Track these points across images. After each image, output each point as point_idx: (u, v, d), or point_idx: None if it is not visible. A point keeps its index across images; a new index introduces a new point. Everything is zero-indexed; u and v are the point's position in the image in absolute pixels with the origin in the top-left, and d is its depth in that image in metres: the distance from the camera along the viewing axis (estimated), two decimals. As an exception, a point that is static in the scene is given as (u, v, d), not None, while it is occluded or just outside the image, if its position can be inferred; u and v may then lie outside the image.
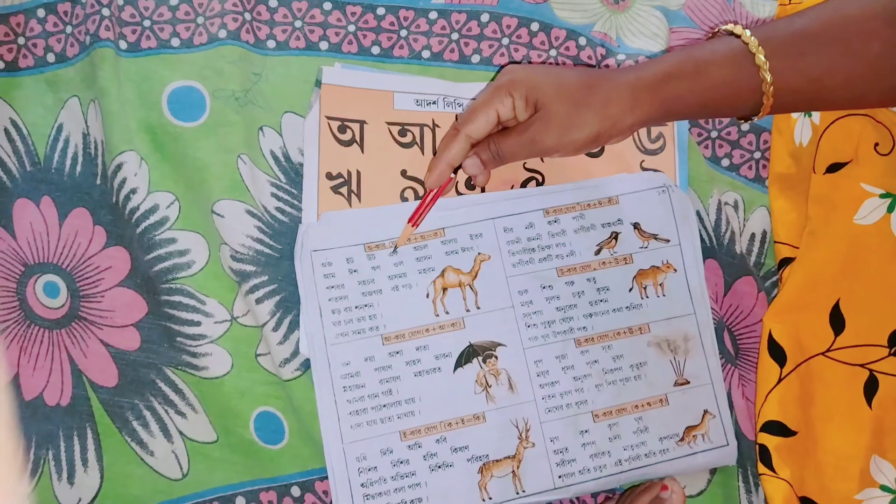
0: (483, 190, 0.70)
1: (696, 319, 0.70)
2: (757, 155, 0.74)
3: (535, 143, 0.61)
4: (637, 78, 0.61)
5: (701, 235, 0.72)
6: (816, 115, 0.72)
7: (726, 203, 0.73)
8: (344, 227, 0.68)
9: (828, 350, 0.70)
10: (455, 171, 0.66)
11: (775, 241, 0.74)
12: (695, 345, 0.70)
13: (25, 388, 0.68)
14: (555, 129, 0.60)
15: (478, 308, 0.68)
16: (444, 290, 0.68)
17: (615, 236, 0.71)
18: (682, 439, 0.69)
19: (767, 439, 0.69)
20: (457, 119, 0.70)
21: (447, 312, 0.68)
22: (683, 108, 0.61)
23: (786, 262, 0.73)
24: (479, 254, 0.69)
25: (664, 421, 0.69)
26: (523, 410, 0.67)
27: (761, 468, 0.69)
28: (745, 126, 0.74)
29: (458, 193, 0.70)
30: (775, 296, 0.73)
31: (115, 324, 0.68)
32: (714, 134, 0.74)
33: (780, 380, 0.70)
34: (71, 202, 0.69)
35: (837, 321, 0.70)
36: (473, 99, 0.70)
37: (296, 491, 0.68)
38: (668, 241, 0.71)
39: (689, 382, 0.69)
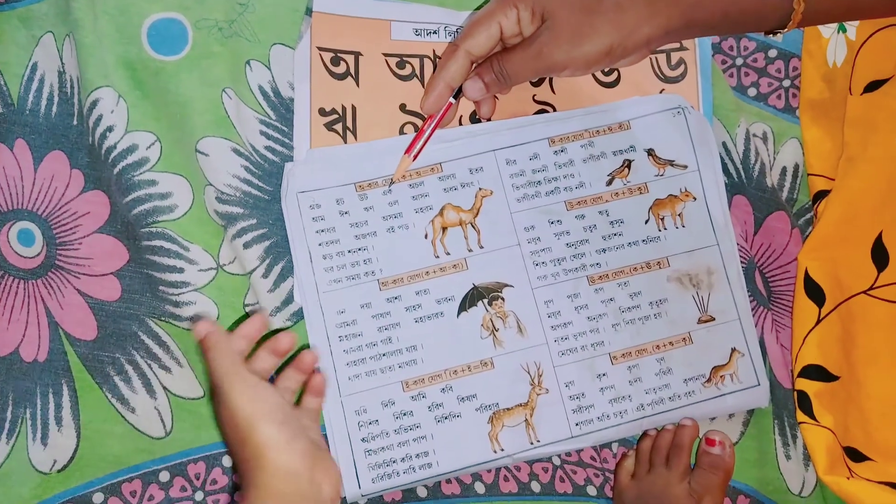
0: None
1: (720, 251, 0.65)
2: (786, 83, 0.69)
3: (543, 58, 0.56)
4: None
5: (728, 169, 0.67)
6: (852, 30, 0.67)
7: (754, 135, 0.68)
8: (331, 165, 0.64)
9: (870, 288, 0.65)
10: (456, 97, 0.61)
11: (809, 174, 0.68)
12: (719, 278, 0.64)
13: (0, 343, 0.64)
14: (564, 39, 0.55)
15: (481, 247, 0.64)
16: (444, 229, 0.64)
17: (628, 164, 0.66)
18: (708, 380, 0.64)
19: (807, 385, 0.64)
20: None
21: (448, 253, 0.63)
22: (706, 18, 0.56)
23: (821, 195, 0.67)
24: (479, 189, 0.64)
25: (688, 361, 0.64)
26: (535, 354, 0.63)
27: (801, 416, 0.64)
28: (773, 52, 0.68)
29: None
30: (811, 233, 0.67)
31: (93, 272, 0.64)
32: (739, 61, 0.69)
33: (818, 321, 0.65)
34: (46, 145, 0.65)
35: (880, 256, 0.65)
36: (475, 11, 0.65)
37: (289, 449, 0.63)
38: (686, 167, 0.66)
39: (714, 319, 0.64)
